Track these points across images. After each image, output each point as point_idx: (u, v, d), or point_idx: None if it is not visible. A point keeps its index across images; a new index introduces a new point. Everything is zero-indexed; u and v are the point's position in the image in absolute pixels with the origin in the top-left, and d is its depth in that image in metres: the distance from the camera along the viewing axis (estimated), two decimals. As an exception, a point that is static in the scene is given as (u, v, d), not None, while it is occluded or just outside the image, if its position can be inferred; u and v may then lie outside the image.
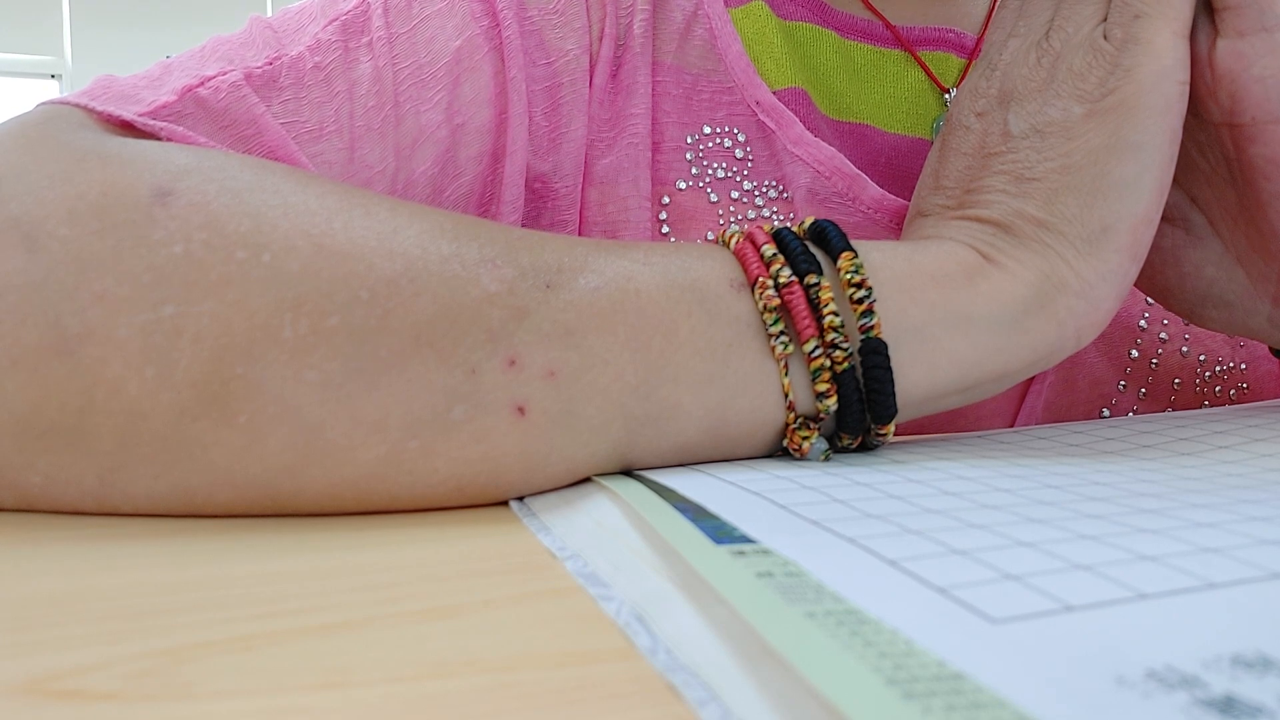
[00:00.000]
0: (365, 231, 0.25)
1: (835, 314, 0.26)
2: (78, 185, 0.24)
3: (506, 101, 0.37)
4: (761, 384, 0.26)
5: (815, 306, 0.27)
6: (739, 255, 0.28)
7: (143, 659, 0.16)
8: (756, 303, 0.27)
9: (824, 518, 0.21)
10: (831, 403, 0.27)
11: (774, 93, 0.40)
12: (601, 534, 0.22)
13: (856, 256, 0.27)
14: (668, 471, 0.26)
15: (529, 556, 0.22)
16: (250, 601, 0.19)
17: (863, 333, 0.27)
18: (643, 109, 0.39)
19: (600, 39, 0.39)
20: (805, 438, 0.27)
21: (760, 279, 0.27)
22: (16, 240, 0.23)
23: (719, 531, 0.19)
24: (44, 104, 0.29)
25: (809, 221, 0.29)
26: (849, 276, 0.27)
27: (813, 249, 0.28)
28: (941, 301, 0.28)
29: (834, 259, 0.28)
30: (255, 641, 0.17)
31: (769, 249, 0.27)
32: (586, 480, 0.26)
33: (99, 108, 0.28)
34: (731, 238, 0.28)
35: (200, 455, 0.23)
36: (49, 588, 0.20)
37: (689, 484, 0.24)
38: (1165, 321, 0.44)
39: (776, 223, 0.30)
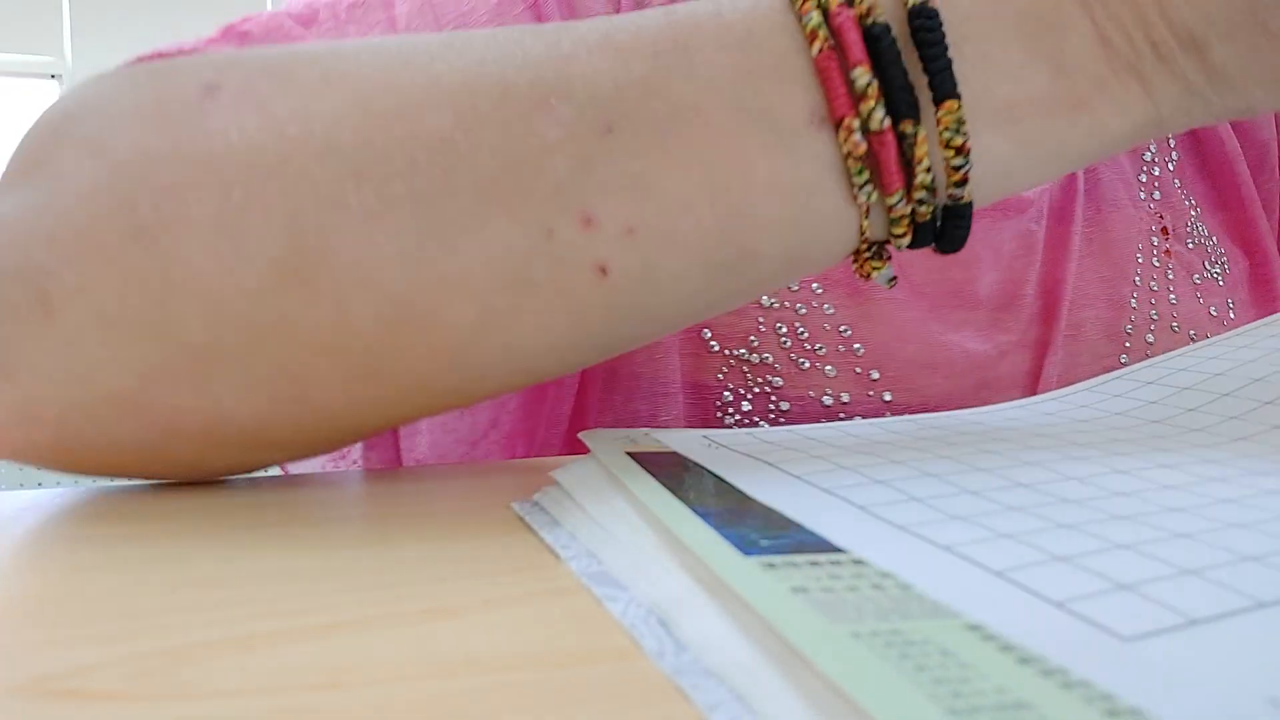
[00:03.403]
0: (409, 84, 0.24)
1: (928, 170, 0.24)
2: (133, 96, 0.25)
3: None
4: (841, 227, 0.25)
5: (907, 155, 0.24)
6: (823, 77, 0.23)
7: (143, 659, 0.16)
8: (840, 146, 0.24)
9: (870, 502, 0.20)
10: (905, 241, 0.25)
11: None
12: (619, 534, 0.22)
13: (960, 107, 0.23)
14: (701, 452, 0.25)
15: (531, 556, 0.22)
16: (250, 601, 0.19)
17: (950, 199, 0.24)
18: None
19: (618, 8, 0.40)
20: (876, 268, 0.26)
21: (846, 119, 0.23)
22: (88, 151, 0.24)
23: (746, 541, 0.19)
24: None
25: (913, 0, 0.24)
26: (948, 136, 0.23)
27: (912, 71, 0.24)
28: (1039, 137, 0.25)
29: (935, 101, 0.23)
30: (255, 641, 0.17)
31: (862, 76, 0.23)
32: (598, 479, 0.25)
33: (152, 52, 0.29)
34: (815, 36, 0.23)
35: (289, 332, 0.23)
36: (49, 588, 0.20)
37: (728, 468, 0.23)
38: (1153, 302, 0.46)
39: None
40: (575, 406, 0.42)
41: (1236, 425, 0.28)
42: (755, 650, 0.16)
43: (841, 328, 0.40)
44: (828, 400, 0.40)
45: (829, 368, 0.40)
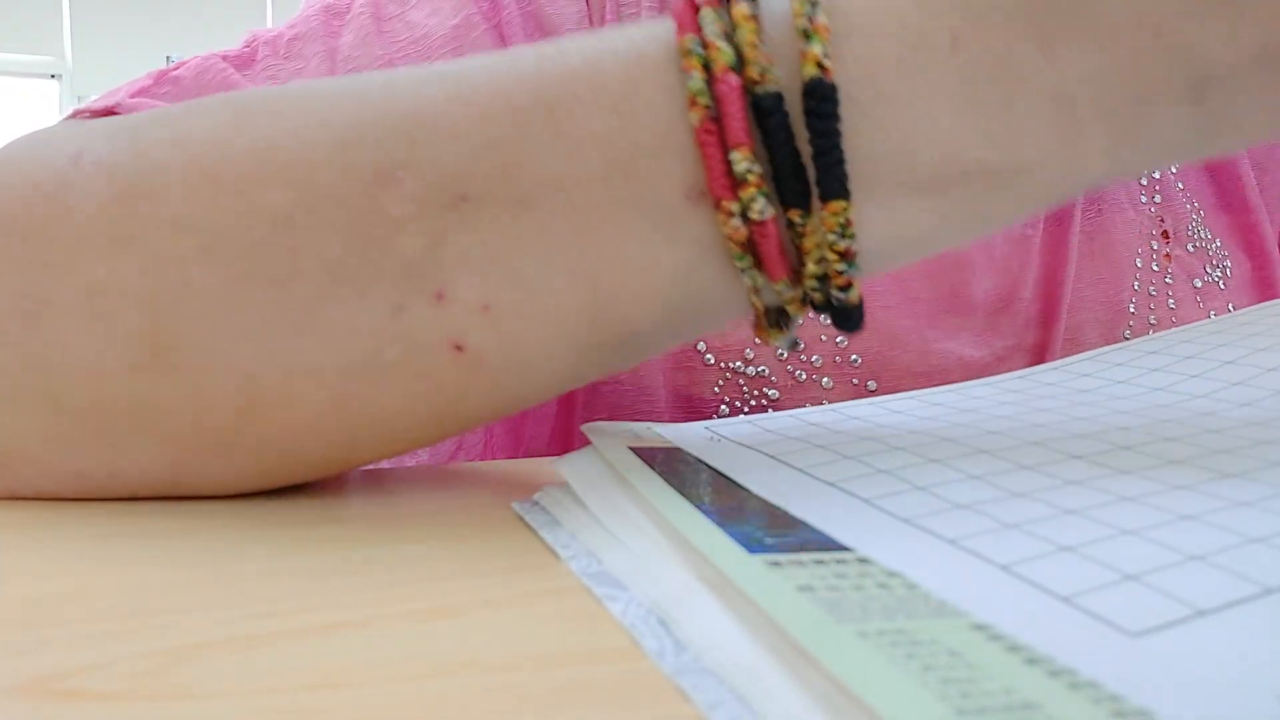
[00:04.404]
0: (246, 153, 0.23)
1: (818, 262, 0.22)
2: (21, 165, 0.25)
3: None
4: (727, 303, 0.23)
5: (795, 243, 0.22)
6: (703, 152, 0.21)
7: (143, 659, 0.16)
8: (720, 227, 0.22)
9: (874, 494, 0.20)
10: (800, 317, 0.23)
11: None
12: (620, 532, 0.21)
13: (847, 208, 0.21)
14: (700, 445, 0.25)
15: (531, 556, 0.22)
16: (250, 601, 0.19)
17: (835, 301, 0.22)
18: None
19: (594, 18, 0.40)
20: (775, 335, 0.24)
21: (724, 202, 0.21)
22: None
23: (750, 539, 0.18)
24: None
25: (808, 73, 0.20)
26: (832, 239, 0.21)
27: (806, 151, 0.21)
28: (969, 208, 0.22)
29: (821, 198, 0.21)
30: (255, 641, 0.17)
31: (741, 161, 0.21)
32: (600, 474, 0.25)
33: (86, 107, 0.29)
34: (695, 102, 0.21)
35: (160, 407, 0.23)
36: (49, 588, 0.20)
37: (729, 461, 0.23)
38: (1151, 307, 0.46)
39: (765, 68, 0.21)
40: (559, 426, 0.42)
41: (1240, 391, 0.28)
42: (758, 649, 0.16)
43: (838, 338, 0.40)
44: None
45: (825, 379, 0.40)
